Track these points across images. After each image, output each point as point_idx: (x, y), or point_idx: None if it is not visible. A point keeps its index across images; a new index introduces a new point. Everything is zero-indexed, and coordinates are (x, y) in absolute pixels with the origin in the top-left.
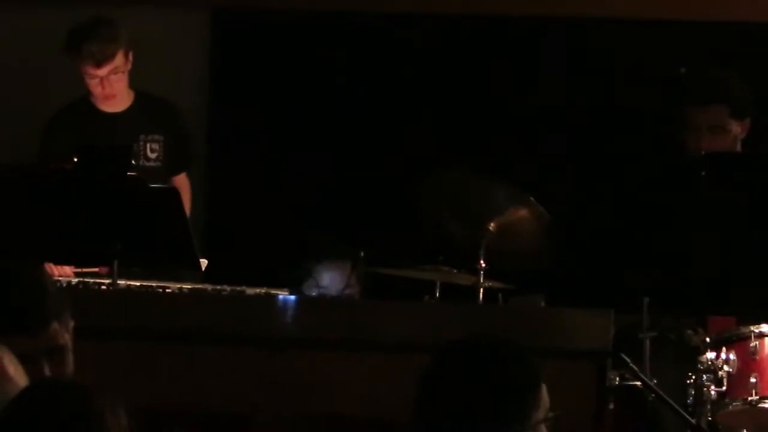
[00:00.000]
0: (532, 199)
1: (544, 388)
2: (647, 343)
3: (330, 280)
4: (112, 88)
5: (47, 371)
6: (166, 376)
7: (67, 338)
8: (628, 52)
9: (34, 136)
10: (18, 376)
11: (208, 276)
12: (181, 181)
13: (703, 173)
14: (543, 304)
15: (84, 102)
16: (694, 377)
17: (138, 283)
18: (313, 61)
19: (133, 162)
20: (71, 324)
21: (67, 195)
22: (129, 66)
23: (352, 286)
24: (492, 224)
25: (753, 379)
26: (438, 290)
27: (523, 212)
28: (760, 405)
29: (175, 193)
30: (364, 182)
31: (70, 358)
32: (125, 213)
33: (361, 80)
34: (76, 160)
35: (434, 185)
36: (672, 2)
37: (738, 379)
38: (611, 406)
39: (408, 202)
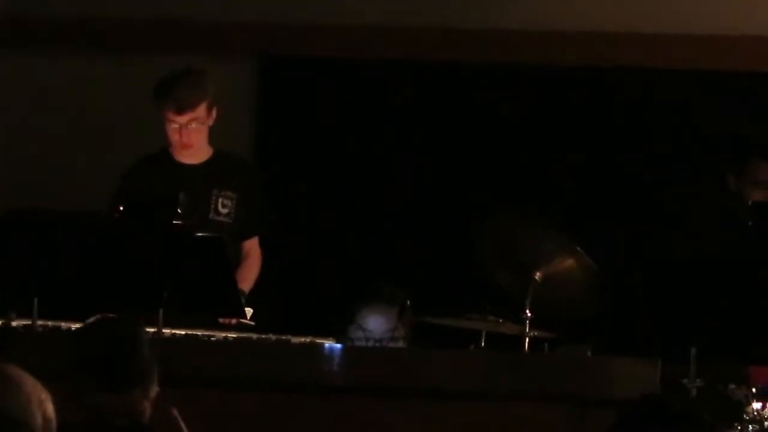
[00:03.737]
0: (579, 248)
1: None
2: (694, 392)
3: (375, 323)
4: (189, 137)
5: None
6: (211, 425)
7: (146, 406)
8: (680, 104)
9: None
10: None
11: (253, 325)
12: (252, 247)
13: (751, 223)
14: (589, 354)
15: (163, 153)
16: (739, 428)
17: (183, 332)
18: (360, 109)
19: (207, 214)
20: (155, 392)
21: (113, 243)
22: (211, 121)
23: (400, 338)
24: (539, 273)
25: None
26: (483, 339)
27: (570, 262)
28: None
29: (219, 242)
30: (411, 230)
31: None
32: (171, 261)
33: (408, 128)
34: (122, 208)
35: (482, 234)
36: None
37: None
38: None
39: (456, 251)
